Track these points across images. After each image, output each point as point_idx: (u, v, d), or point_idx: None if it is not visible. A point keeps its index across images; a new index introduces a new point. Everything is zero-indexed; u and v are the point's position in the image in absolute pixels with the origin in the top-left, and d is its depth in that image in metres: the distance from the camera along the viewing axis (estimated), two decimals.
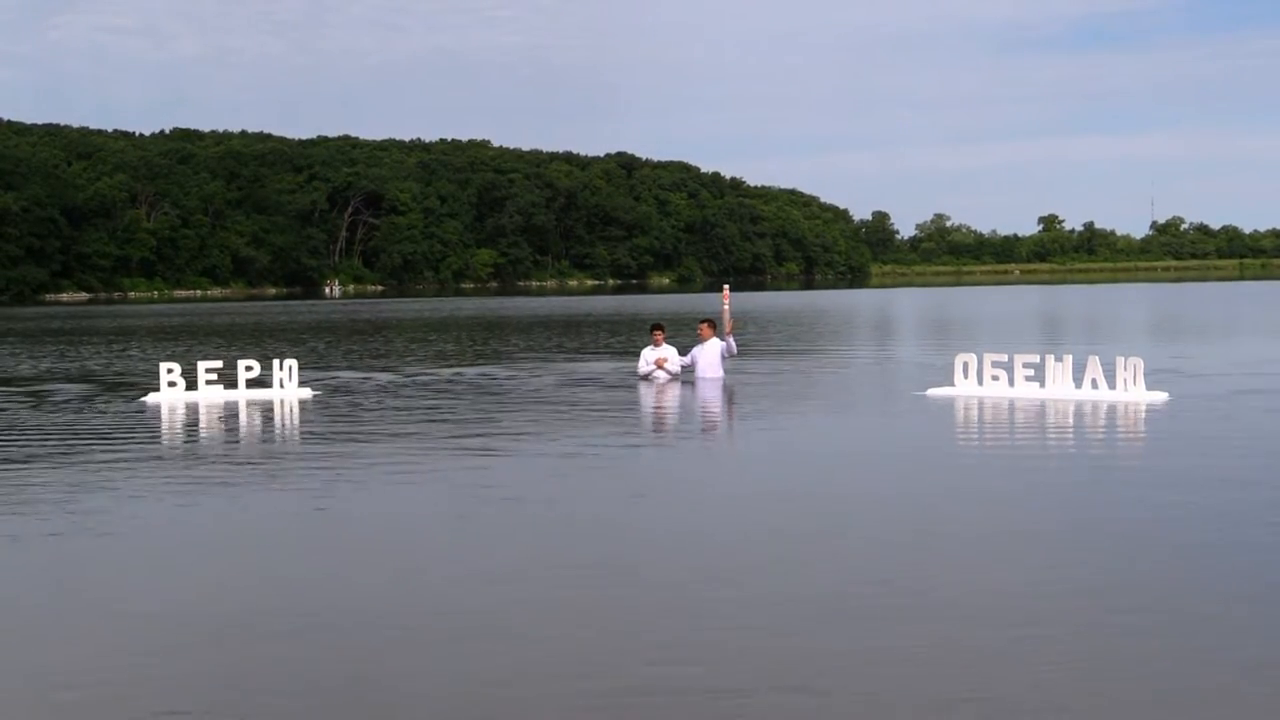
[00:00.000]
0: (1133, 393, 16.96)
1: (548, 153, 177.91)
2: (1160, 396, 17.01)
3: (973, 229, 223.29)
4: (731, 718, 5.68)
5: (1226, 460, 12.33)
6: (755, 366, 23.82)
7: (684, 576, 8.09)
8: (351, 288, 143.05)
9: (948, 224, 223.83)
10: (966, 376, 18.30)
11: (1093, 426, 15.13)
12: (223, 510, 10.55)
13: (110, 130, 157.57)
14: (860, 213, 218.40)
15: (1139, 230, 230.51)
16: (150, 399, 18.93)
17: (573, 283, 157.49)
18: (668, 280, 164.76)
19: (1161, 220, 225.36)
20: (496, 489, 11.34)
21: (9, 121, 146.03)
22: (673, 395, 19.14)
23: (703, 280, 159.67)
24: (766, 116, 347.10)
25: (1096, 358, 17.63)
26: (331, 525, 9.96)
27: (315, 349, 32.62)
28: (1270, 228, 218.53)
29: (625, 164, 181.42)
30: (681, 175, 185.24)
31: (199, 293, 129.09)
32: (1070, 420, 15.57)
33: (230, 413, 17.72)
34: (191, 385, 19.17)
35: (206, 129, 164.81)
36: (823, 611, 7.25)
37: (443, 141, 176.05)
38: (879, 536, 9.14)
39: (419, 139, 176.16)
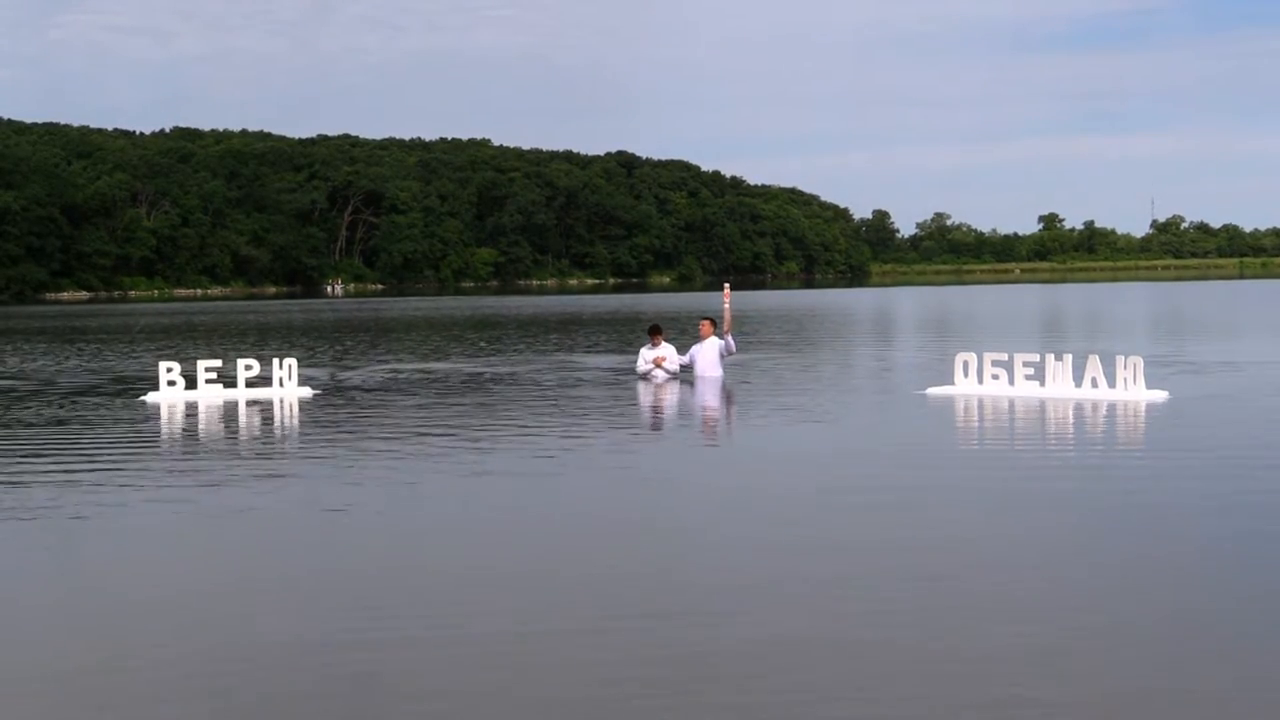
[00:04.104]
0: (1133, 391, 16.95)
1: (548, 151, 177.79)
2: (1160, 395, 17.01)
3: (973, 228, 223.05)
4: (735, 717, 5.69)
5: (1226, 458, 12.32)
6: (754, 365, 23.82)
7: (684, 577, 8.09)
8: (352, 286, 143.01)
9: (948, 223, 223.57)
10: (966, 375, 18.29)
11: (1093, 425, 15.13)
12: (221, 510, 10.54)
13: (110, 129, 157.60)
14: (860, 211, 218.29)
15: (1139, 229, 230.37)
16: (150, 398, 18.91)
17: (573, 281, 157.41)
18: (668, 279, 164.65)
19: (1162, 219, 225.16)
20: (495, 489, 11.34)
21: (9, 120, 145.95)
22: (671, 394, 19.14)
23: (703, 279, 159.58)
24: (766, 116, 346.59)
25: (1096, 356, 17.62)
26: (331, 524, 9.95)
27: (352, 348, 32.61)
28: (1270, 227, 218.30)
29: (625, 163, 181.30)
30: (681, 174, 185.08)
31: (199, 292, 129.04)
32: (1070, 419, 15.56)
33: (230, 412, 17.72)
34: (191, 384, 19.16)
35: (206, 128, 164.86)
36: (819, 610, 7.24)
37: (443, 140, 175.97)
38: (877, 536, 9.14)
39: (419, 138, 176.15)
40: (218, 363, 19.83)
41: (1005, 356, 18.30)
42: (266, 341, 36.22)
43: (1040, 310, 54.68)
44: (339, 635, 6.91)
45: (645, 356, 21.08)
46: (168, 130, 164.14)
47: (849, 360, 26.23)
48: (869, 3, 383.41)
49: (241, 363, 19.59)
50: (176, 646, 6.76)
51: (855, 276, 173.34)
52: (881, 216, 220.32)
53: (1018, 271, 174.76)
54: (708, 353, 20.94)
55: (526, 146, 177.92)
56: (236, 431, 15.96)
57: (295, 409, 17.86)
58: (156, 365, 19.57)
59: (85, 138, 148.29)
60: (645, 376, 20.82)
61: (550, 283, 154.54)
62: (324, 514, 10.32)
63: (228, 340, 37.78)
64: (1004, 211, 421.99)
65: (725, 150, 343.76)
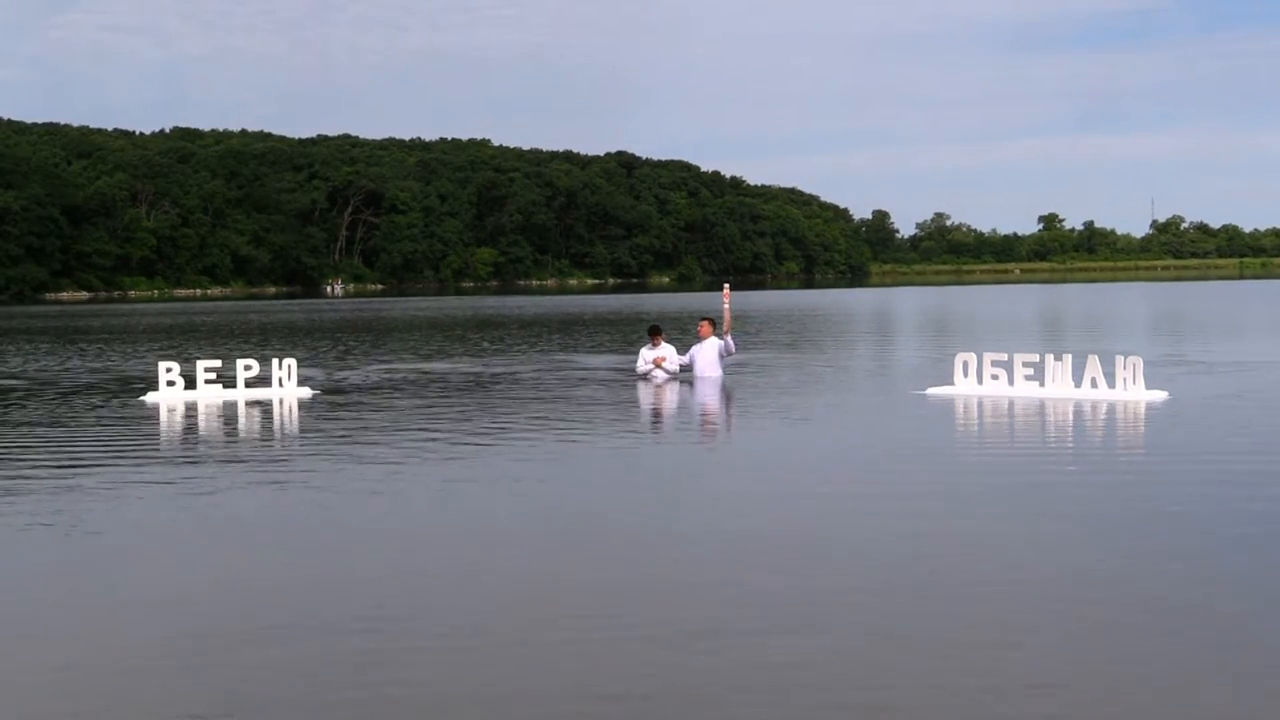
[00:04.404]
0: (1132, 392, 16.95)
1: (548, 151, 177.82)
2: (1160, 395, 17.00)
3: (973, 228, 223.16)
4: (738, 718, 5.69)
5: (1225, 459, 12.32)
6: (754, 365, 23.81)
7: (681, 579, 8.08)
8: (351, 287, 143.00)
9: (948, 223, 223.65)
10: (966, 375, 18.29)
11: (1092, 426, 15.13)
12: (220, 510, 10.53)
13: (110, 129, 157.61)
14: (860, 212, 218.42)
15: (1139, 229, 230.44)
16: (149, 398, 18.90)
17: (572, 282, 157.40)
18: (668, 279, 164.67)
19: (1161, 219, 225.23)
20: (494, 489, 11.34)
21: (9, 120, 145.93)
22: (671, 394, 19.13)
23: (703, 279, 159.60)
24: (766, 116, 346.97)
25: (1096, 357, 17.61)
26: (330, 525, 9.94)
27: (355, 348, 32.61)
28: (1270, 227, 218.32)
29: (625, 163, 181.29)
30: (681, 174, 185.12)
31: (199, 292, 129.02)
32: (1070, 419, 15.56)
33: (229, 412, 17.71)
34: (190, 384, 19.15)
35: (207, 128, 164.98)
36: (817, 609, 7.24)
37: (443, 140, 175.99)
38: (876, 536, 9.14)
39: (419, 138, 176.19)
40: (217, 363, 19.82)
41: (1005, 357, 18.30)
42: (270, 342, 36.20)
43: (1040, 310, 54.68)
44: (339, 636, 6.90)
45: (645, 357, 21.10)
46: (168, 130, 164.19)
47: (849, 360, 26.21)
48: (869, 3, 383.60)
49: (241, 363, 19.58)
50: (176, 646, 6.75)
51: (855, 276, 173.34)
52: (881, 216, 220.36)
53: (1017, 272, 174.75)
54: (707, 353, 20.95)
55: (526, 146, 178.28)
56: (236, 432, 15.95)
57: (294, 409, 17.85)
58: (158, 366, 19.55)
59: (85, 138, 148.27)
60: (645, 377, 20.83)
61: (550, 283, 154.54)
62: (323, 514, 10.31)
63: (232, 341, 37.75)
64: (1004, 211, 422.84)
65: (725, 150, 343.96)
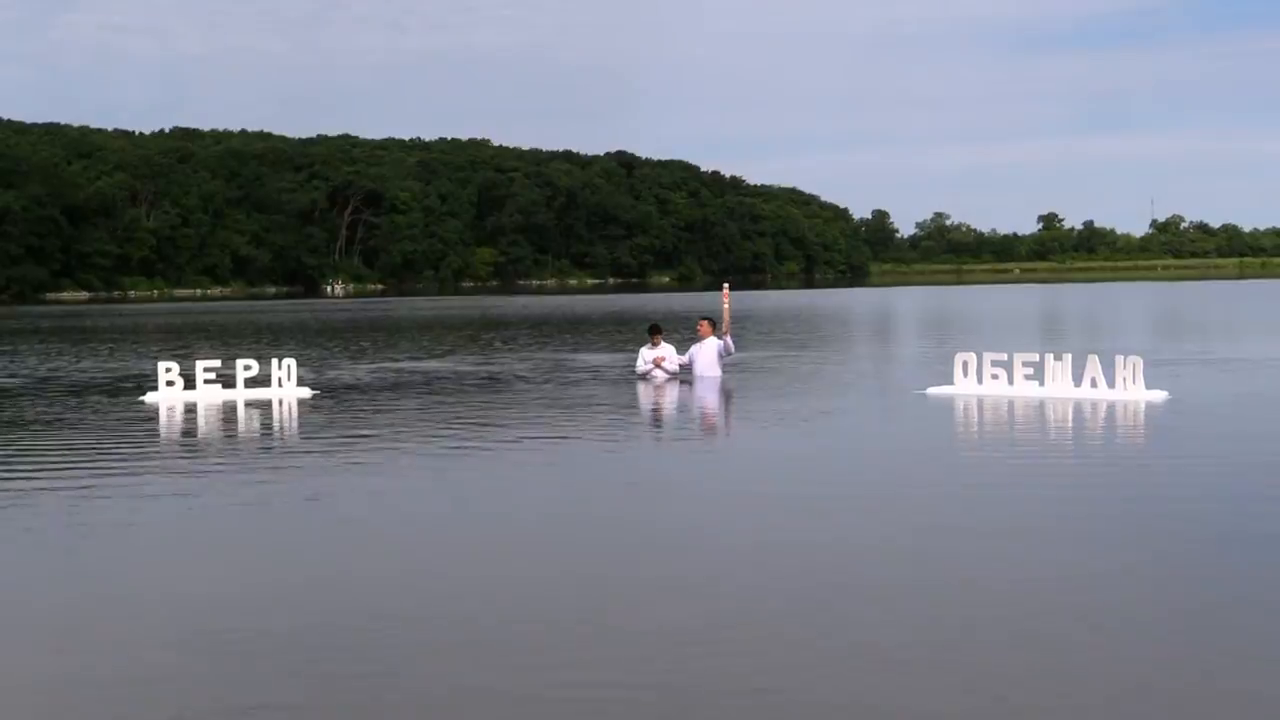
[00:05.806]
0: (1132, 391, 16.95)
1: (548, 151, 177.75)
2: (1160, 395, 17.01)
3: (972, 228, 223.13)
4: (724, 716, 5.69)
5: (1225, 459, 12.33)
6: (754, 365, 23.82)
7: (678, 578, 8.09)
8: (351, 287, 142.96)
9: (947, 223, 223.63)
10: (966, 375, 18.29)
11: (1092, 426, 15.13)
12: (219, 510, 10.53)
13: (110, 129, 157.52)
14: (860, 211, 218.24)
15: (1139, 229, 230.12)
16: (149, 398, 18.89)
17: (573, 281, 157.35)
18: (668, 279, 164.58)
19: (1161, 219, 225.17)
20: (492, 490, 11.34)
21: (9, 120, 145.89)
22: (670, 394, 19.14)
23: (703, 279, 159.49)
24: (767, 116, 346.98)
25: (1096, 356, 17.62)
26: (330, 525, 9.94)
27: (368, 348, 32.61)
28: (1270, 227, 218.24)
29: (625, 163, 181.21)
30: (681, 174, 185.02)
31: (199, 292, 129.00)
32: (1069, 419, 15.57)
33: (228, 412, 17.71)
34: (190, 384, 19.14)
35: (207, 128, 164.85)
36: (817, 610, 7.24)
37: (443, 140, 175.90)
38: (876, 536, 9.14)
39: (419, 138, 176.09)
40: (217, 363, 19.83)
41: (1005, 356, 18.30)
42: (282, 342, 36.02)
43: (1040, 310, 54.68)
44: (340, 637, 6.91)
45: (645, 356, 21.10)
46: (168, 130, 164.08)
47: (849, 360, 26.21)
48: (869, 3, 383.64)
49: (240, 363, 19.58)
50: (174, 647, 6.75)
51: (855, 276, 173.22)
52: (881, 216, 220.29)
53: (1017, 271, 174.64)
54: (707, 353, 20.96)
55: (526, 146, 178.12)
56: (235, 432, 15.95)
57: (294, 409, 17.85)
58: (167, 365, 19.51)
59: (85, 138, 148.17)
60: (645, 376, 20.83)
61: (550, 283, 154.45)
62: (323, 515, 10.31)
63: (244, 341, 37.60)
64: (1004, 211, 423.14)
65: (725, 150, 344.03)
